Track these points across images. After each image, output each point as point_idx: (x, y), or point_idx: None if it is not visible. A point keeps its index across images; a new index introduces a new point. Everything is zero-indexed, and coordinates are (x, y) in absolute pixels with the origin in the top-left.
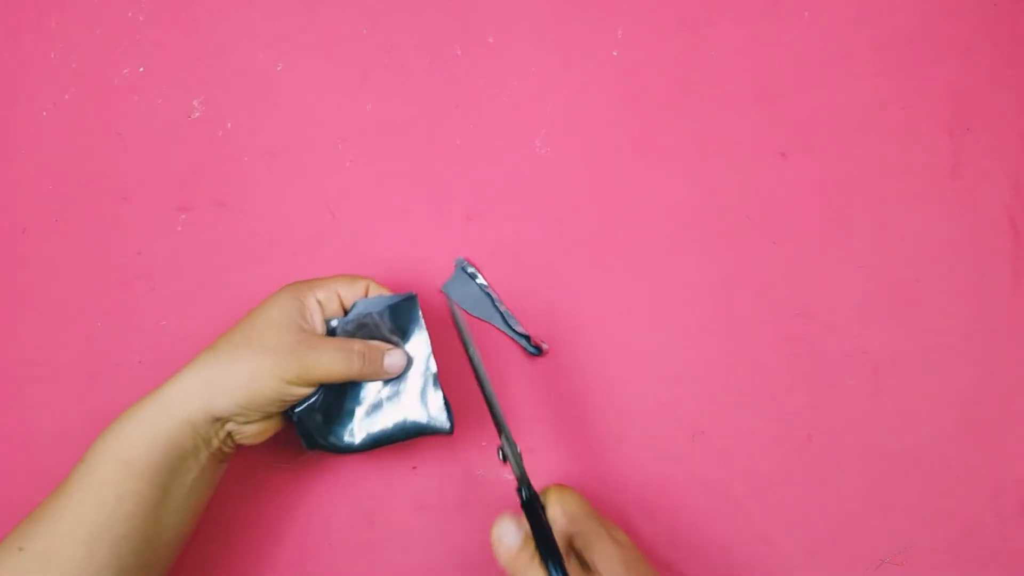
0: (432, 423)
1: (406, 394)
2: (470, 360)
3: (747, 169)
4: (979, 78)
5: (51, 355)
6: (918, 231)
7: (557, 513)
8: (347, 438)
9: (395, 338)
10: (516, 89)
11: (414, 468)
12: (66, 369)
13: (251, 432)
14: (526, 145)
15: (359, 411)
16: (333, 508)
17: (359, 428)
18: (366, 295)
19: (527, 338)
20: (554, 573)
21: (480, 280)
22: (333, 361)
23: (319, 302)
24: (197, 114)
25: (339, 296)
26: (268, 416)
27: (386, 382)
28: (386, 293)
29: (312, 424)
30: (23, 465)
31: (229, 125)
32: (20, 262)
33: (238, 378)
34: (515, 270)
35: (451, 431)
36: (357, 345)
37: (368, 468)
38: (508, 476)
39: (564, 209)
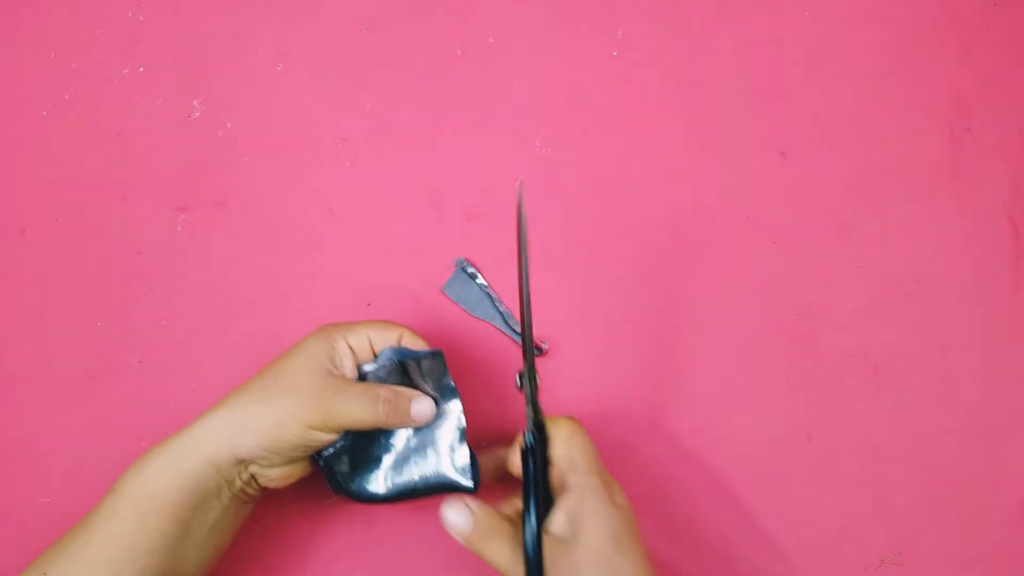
0: (457, 480)
1: (432, 447)
2: (520, 269)
3: (747, 169)
4: (979, 78)
5: (51, 355)
6: (918, 231)
7: (560, 455)
8: (372, 487)
9: (427, 387)
10: (516, 89)
11: None
12: (66, 369)
13: (275, 476)
14: (526, 145)
15: (386, 459)
16: (333, 508)
17: (385, 478)
18: (398, 343)
19: None
20: (529, 542)
21: (480, 280)
22: (359, 408)
23: (351, 347)
24: (197, 114)
25: (371, 342)
26: (293, 460)
27: (415, 431)
28: (420, 344)
29: (339, 470)
30: (23, 465)
31: (229, 125)
32: (20, 262)
33: (263, 421)
34: (515, 270)
35: (475, 490)
36: (383, 392)
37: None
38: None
39: (564, 209)
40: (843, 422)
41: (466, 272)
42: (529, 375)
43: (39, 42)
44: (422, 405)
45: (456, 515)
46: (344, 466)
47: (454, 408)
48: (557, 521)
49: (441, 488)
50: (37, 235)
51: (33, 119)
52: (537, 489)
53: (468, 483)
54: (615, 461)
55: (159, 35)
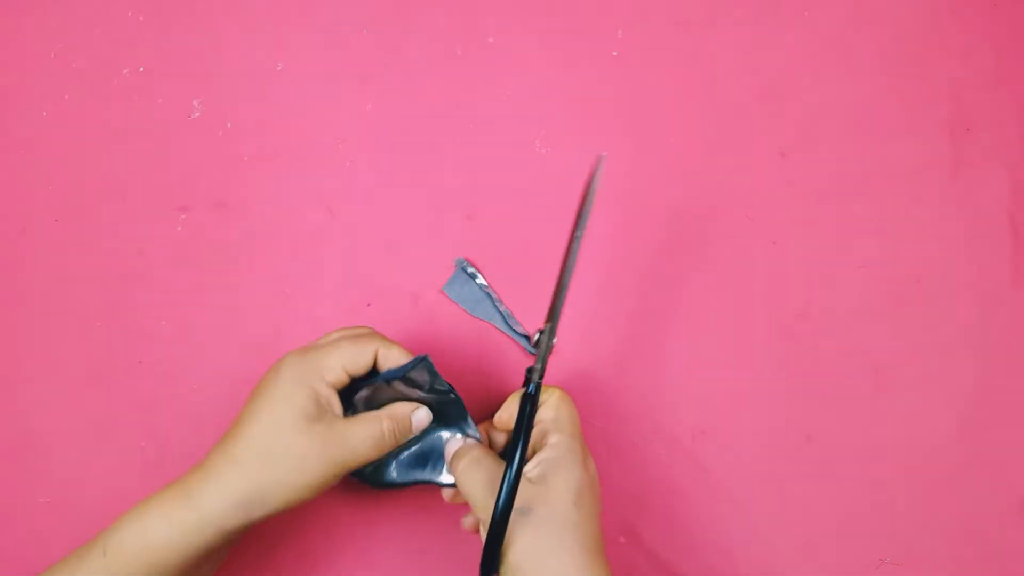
0: None
1: (439, 447)
2: (575, 233)
3: (747, 169)
4: (979, 78)
5: (51, 355)
6: (918, 231)
7: (548, 417)
8: (389, 476)
9: (418, 392)
10: (516, 89)
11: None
12: (66, 369)
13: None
14: (526, 145)
15: (400, 456)
16: (333, 508)
17: (399, 469)
18: (375, 360)
19: (527, 338)
20: (508, 474)
21: (480, 280)
22: (366, 449)
23: (330, 385)
24: (197, 114)
25: (346, 372)
26: None
27: (426, 432)
28: (395, 351)
29: (358, 473)
30: (23, 465)
31: (229, 125)
32: (20, 262)
33: (276, 495)
34: (515, 270)
35: None
36: (386, 424)
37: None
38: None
39: (564, 209)
40: (843, 422)
41: (466, 272)
42: (550, 333)
43: (39, 42)
44: (420, 415)
45: (452, 444)
46: (364, 469)
47: (455, 407)
48: (531, 468)
49: (439, 481)
50: (37, 235)
51: (33, 119)
52: (528, 432)
53: None
54: (615, 461)
55: (159, 35)
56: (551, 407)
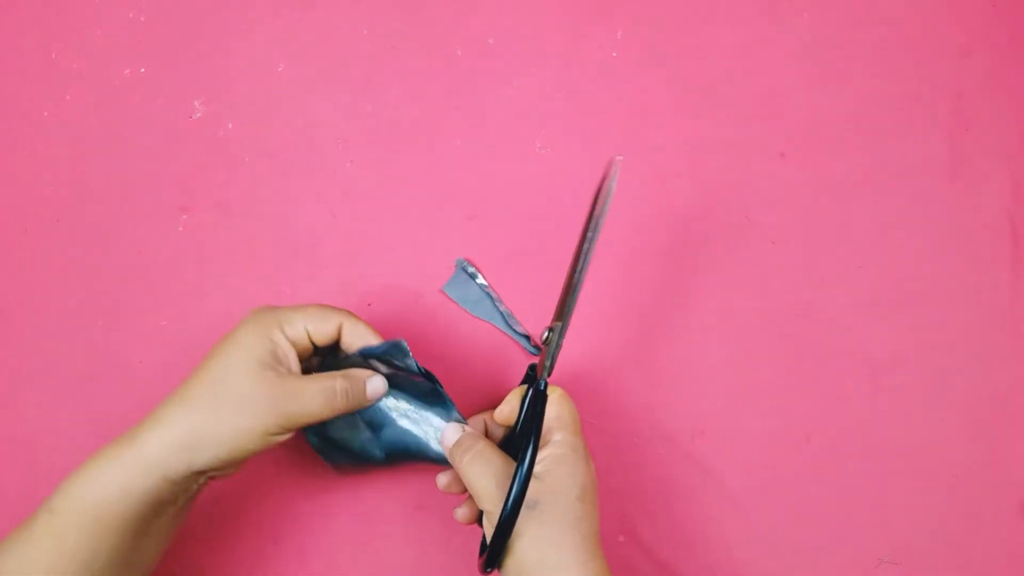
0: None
1: (420, 424)
2: (588, 234)
3: (747, 169)
4: (979, 78)
5: (51, 355)
6: (918, 231)
7: (551, 414)
8: (371, 451)
9: (400, 373)
10: (516, 89)
11: (414, 468)
12: (66, 369)
13: (234, 470)
14: (526, 145)
15: (386, 432)
16: (333, 508)
17: (387, 446)
18: (339, 331)
19: (527, 338)
20: (520, 471)
21: (480, 280)
22: (317, 406)
23: (290, 340)
24: (198, 114)
25: (308, 333)
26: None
27: (399, 403)
28: (361, 328)
29: (330, 454)
30: (23, 465)
31: (230, 125)
32: (20, 262)
33: (220, 437)
34: (515, 270)
35: None
36: (339, 384)
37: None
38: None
39: (564, 209)
40: (843, 422)
41: (466, 272)
42: (561, 332)
43: (40, 43)
44: (376, 383)
45: (452, 433)
46: (333, 447)
47: (435, 394)
48: (536, 464)
49: (429, 459)
50: (38, 235)
51: (34, 119)
52: (539, 430)
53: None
54: (615, 461)
55: (159, 35)
56: (553, 404)
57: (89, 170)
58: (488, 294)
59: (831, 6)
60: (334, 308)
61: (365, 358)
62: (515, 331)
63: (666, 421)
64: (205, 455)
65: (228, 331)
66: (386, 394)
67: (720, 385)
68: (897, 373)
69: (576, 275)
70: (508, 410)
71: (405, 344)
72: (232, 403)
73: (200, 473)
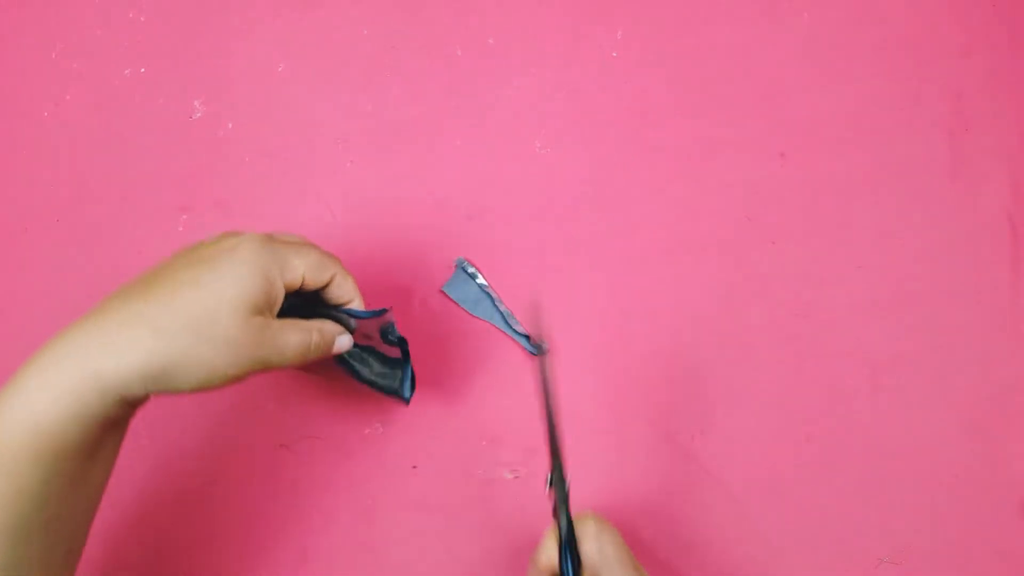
0: (396, 388)
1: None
2: (548, 413)
3: (747, 169)
4: (979, 78)
5: None
6: (918, 231)
7: (592, 550)
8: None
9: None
10: (516, 89)
11: (414, 468)
12: None
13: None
14: (526, 145)
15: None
16: (333, 508)
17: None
18: (329, 283)
19: (527, 338)
20: None
21: (480, 280)
22: (291, 356)
23: (285, 286)
24: (198, 114)
25: (304, 279)
26: None
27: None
28: (349, 285)
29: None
30: None
31: (230, 125)
32: (21, 262)
33: (193, 376)
34: (515, 270)
35: (408, 399)
36: (315, 336)
37: (368, 468)
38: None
39: (564, 209)
40: (843, 422)
41: (466, 272)
42: (560, 478)
43: (40, 43)
44: (343, 341)
45: (546, 555)
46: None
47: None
48: None
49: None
50: (38, 235)
51: (35, 119)
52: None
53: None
54: (615, 461)
55: (159, 35)
56: (591, 538)
57: (89, 170)
58: (488, 294)
59: (831, 6)
60: (330, 257)
61: (345, 315)
62: (515, 331)
63: (666, 421)
64: (172, 385)
65: (215, 247)
66: (351, 359)
67: (720, 385)
68: (897, 373)
69: (551, 431)
70: (546, 560)
71: (391, 315)
72: (217, 345)
73: (158, 395)
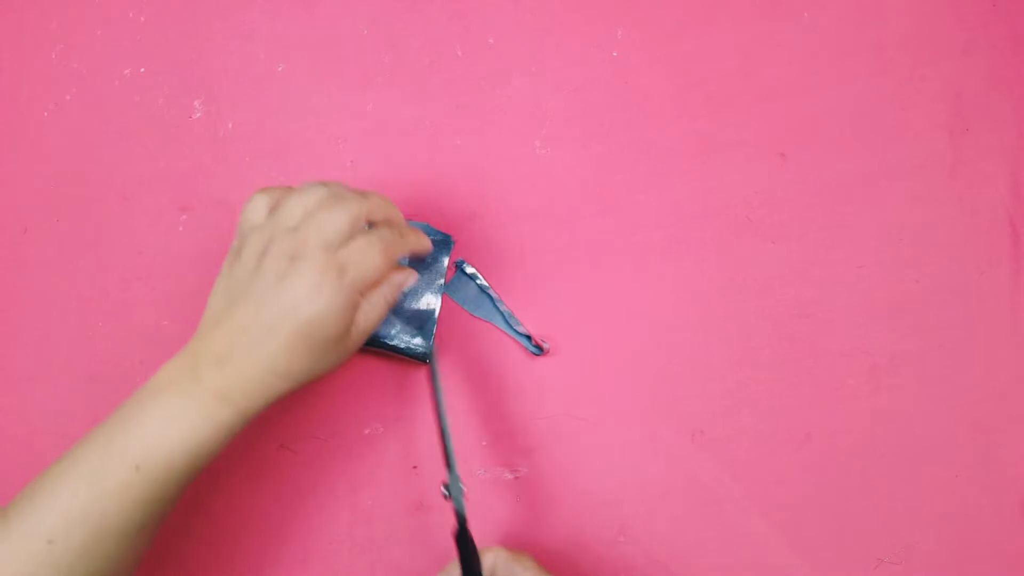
0: (413, 347)
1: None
2: (436, 400)
3: (747, 169)
4: (979, 78)
5: (51, 355)
6: (918, 231)
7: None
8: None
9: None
10: (516, 89)
11: (414, 468)
12: (66, 369)
13: None
14: (526, 145)
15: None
16: (333, 508)
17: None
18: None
19: (528, 338)
20: None
21: (480, 280)
22: (376, 317)
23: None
24: (198, 114)
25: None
26: None
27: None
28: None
29: None
30: (23, 465)
31: (230, 125)
32: (20, 262)
33: (303, 378)
34: (515, 270)
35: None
36: (387, 291)
37: (368, 468)
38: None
39: (564, 209)
40: (843, 422)
41: (465, 272)
42: (457, 495)
43: (40, 43)
44: (409, 279)
45: None
46: None
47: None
48: None
49: (394, 348)
50: (38, 235)
51: (34, 119)
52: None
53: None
54: (614, 461)
55: (159, 35)
56: (504, 562)
57: (89, 170)
58: (488, 294)
59: (831, 6)
60: (390, 207)
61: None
62: (515, 331)
63: (666, 421)
64: (283, 393)
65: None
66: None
67: (720, 384)
68: (897, 373)
69: (444, 431)
70: None
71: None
72: (326, 368)
73: None
